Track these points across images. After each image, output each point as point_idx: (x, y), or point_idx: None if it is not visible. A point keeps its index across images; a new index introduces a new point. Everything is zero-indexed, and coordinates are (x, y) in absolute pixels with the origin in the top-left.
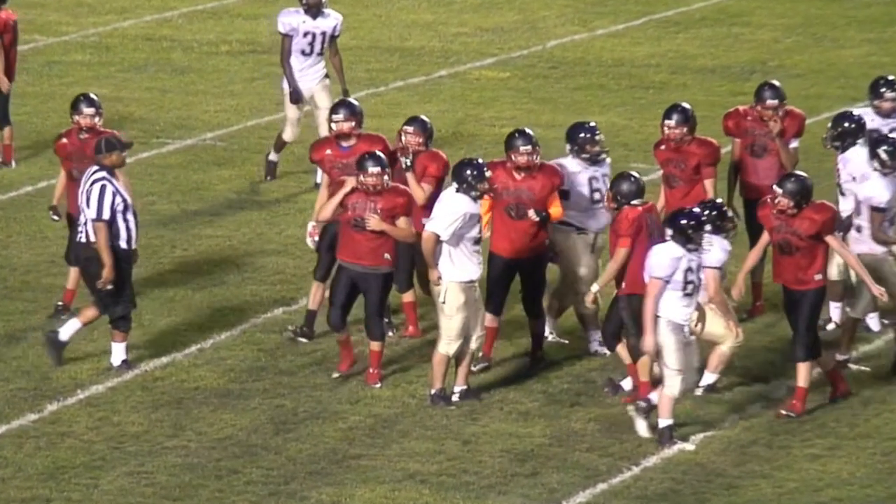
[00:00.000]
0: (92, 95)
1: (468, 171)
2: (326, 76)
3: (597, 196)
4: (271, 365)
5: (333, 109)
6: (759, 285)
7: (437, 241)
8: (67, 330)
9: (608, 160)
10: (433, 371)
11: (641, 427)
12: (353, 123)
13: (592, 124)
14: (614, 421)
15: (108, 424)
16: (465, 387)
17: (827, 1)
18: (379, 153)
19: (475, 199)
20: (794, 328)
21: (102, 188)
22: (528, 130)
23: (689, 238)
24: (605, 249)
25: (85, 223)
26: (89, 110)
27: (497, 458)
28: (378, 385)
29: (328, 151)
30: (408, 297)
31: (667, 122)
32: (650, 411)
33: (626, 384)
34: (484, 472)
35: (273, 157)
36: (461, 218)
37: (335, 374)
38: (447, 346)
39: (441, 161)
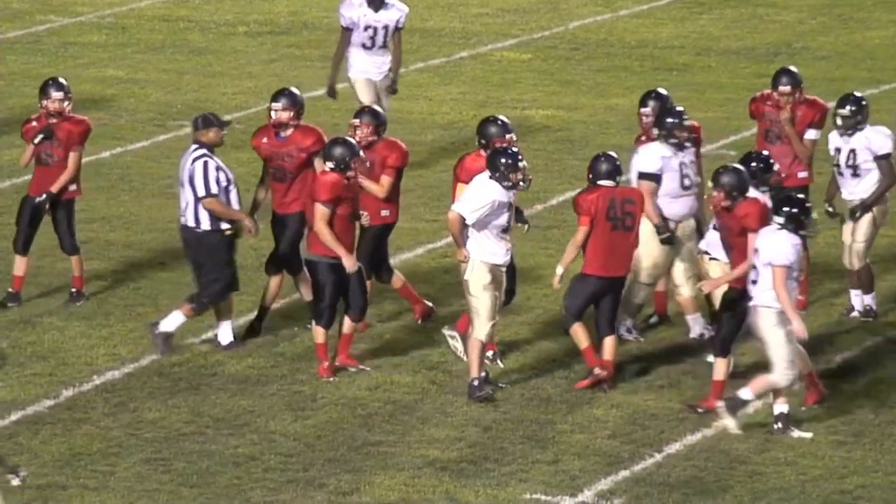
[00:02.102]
0: (61, 79)
1: (502, 160)
2: (391, 70)
3: (686, 182)
4: (289, 350)
5: (274, 97)
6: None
7: (463, 222)
8: (224, 333)
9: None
10: (469, 359)
11: (733, 424)
12: (292, 114)
13: (680, 109)
14: (637, 407)
15: (125, 411)
16: (483, 374)
17: None
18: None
19: (507, 188)
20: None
21: (205, 164)
22: (503, 118)
23: (801, 224)
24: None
25: (186, 206)
26: (58, 94)
27: (518, 445)
28: (355, 369)
29: (265, 140)
30: (396, 282)
31: (643, 110)
32: (739, 408)
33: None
34: (505, 459)
35: None
36: (489, 205)
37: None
38: (481, 329)
39: (400, 151)
